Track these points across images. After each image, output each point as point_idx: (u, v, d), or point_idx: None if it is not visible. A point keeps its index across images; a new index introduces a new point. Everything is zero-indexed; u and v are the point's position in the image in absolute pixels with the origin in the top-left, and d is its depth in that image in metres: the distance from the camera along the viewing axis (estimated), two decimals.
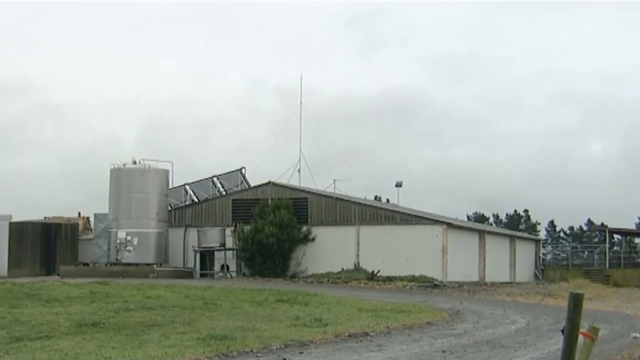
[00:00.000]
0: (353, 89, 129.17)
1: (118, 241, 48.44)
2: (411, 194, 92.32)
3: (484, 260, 53.01)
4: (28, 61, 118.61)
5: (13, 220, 51.90)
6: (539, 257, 65.31)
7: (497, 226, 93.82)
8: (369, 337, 19.25)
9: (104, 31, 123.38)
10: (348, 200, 50.09)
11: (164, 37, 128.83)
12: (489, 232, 57.73)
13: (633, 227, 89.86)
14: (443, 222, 48.45)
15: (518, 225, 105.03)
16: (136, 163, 50.01)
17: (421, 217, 49.46)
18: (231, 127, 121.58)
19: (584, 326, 8.00)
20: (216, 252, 49.47)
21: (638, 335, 21.50)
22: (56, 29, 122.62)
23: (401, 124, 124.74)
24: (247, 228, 49.03)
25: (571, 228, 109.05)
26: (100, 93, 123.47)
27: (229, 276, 48.34)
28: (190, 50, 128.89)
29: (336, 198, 50.02)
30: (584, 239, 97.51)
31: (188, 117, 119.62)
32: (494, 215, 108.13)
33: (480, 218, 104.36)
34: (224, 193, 53.80)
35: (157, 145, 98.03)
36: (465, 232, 52.68)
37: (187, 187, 54.40)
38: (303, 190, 51.27)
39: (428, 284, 43.96)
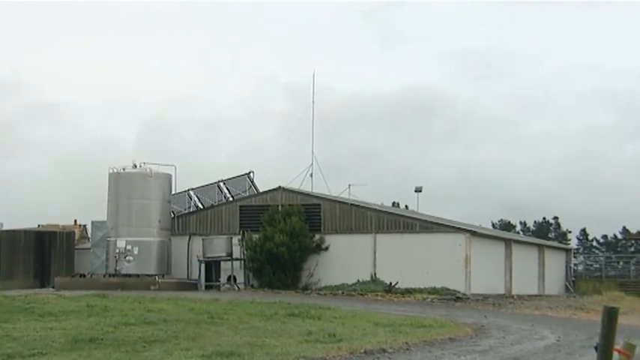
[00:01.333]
0: (369, 87, 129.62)
1: (117, 250, 48.41)
2: (431, 200, 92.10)
3: (510, 271, 52.89)
4: (20, 57, 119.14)
5: (4, 228, 52.13)
6: (570, 268, 65.13)
7: (525, 235, 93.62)
8: (386, 354, 19.18)
9: (102, 26, 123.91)
10: (364, 206, 50.13)
11: (166, 32, 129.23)
12: (516, 241, 57.60)
13: None
14: (466, 230, 48.44)
15: (547, 233, 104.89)
16: (136, 166, 50.01)
17: (442, 224, 49.54)
18: (238, 127, 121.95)
19: (619, 343, 7.92)
20: (222, 262, 49.50)
21: None
22: (51, 23, 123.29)
23: (421, 124, 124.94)
24: (256, 236, 49.07)
25: (604, 236, 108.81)
26: (98, 91, 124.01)
27: (236, 288, 48.44)
28: (194, 46, 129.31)
29: (351, 204, 50.03)
30: (618, 249, 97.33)
31: (192, 117, 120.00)
32: (521, 223, 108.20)
33: (506, 226, 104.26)
34: (231, 199, 53.83)
35: (159, 148, 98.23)
36: (490, 241, 52.59)
37: (191, 192, 54.56)
38: (315, 196, 51.37)
39: (450, 297, 43.97)
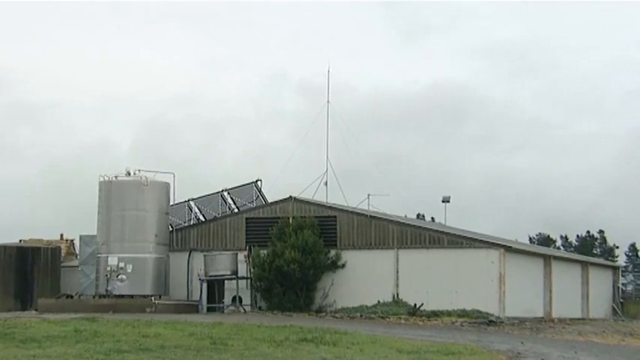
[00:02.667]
0: (391, 85, 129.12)
1: (109, 268, 48.48)
2: (461, 211, 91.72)
3: (550, 292, 52.73)
4: (1, 50, 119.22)
5: None
6: (618, 288, 64.90)
7: (567, 251, 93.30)
8: None
9: (95, 17, 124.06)
10: (385, 219, 50.12)
11: (165, 24, 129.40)
12: (556, 258, 57.31)
13: None
14: (500, 245, 48.29)
15: (591, 249, 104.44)
16: (130, 174, 50.08)
17: (474, 239, 49.43)
18: (245, 130, 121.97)
19: None
20: (226, 281, 49.65)
21: None
22: (37, 13, 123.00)
23: (449, 126, 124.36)
24: (264, 252, 49.22)
25: None
26: (89, 90, 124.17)
27: (242, 310, 48.53)
28: (197, 39, 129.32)
29: (371, 216, 50.05)
30: None
31: (194, 119, 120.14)
32: (562, 237, 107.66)
33: (545, 241, 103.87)
34: (236, 210, 53.95)
35: (157, 153, 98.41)
36: (527, 258, 52.40)
37: (192, 203, 54.58)
38: (331, 207, 51.41)
39: (482, 320, 44.00)
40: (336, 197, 54.19)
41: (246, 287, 49.82)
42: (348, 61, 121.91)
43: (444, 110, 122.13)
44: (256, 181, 55.45)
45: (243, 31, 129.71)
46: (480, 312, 45.47)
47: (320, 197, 53.53)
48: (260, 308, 48.79)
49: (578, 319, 53.36)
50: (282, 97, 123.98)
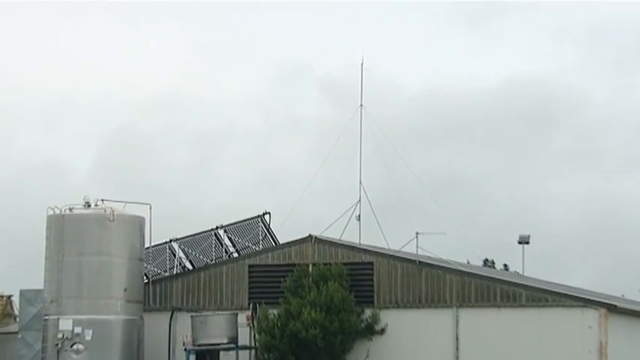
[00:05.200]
0: (450, 83, 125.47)
1: (61, 335, 47.05)
2: (545, 256, 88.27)
3: None
4: None
5: None
6: None
7: None
8: None
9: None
10: (441, 267, 48.73)
11: (145, 8, 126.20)
12: None
13: None
14: (600, 303, 46.52)
15: None
16: (90, 205, 48.88)
17: (563, 294, 47.74)
18: (250, 145, 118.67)
19: None
20: (222, 352, 48.55)
21: None
22: None
23: (531, 139, 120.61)
24: (274, 313, 47.79)
25: None
26: (34, 91, 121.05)
27: None
28: (186, 24, 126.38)
29: (421, 262, 48.55)
30: None
31: (179, 129, 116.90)
32: None
33: None
34: (236, 254, 52.86)
35: (127, 177, 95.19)
36: (638, 321, 50.51)
37: (175, 245, 53.43)
38: (365, 251, 49.72)
39: None
40: (372, 237, 52.86)
41: None
42: (389, 51, 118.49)
43: (521, 116, 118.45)
44: (263, 214, 53.63)
45: (248, 11, 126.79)
46: None
47: (351, 237, 52.00)
48: None
49: None
50: (301, 99, 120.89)
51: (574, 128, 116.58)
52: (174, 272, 52.49)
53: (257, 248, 52.48)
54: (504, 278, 51.28)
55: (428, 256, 50.09)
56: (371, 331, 47.48)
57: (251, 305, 48.66)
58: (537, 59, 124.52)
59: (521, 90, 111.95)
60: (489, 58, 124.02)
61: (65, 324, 47.03)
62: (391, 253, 49.74)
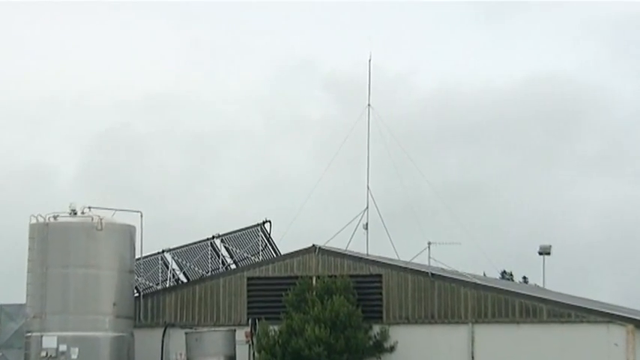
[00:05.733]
0: (467, 81, 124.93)
1: (44, 353, 46.68)
2: (568, 268, 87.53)
3: None
4: None
5: None
6: None
7: None
8: None
9: None
10: (455, 279, 48.38)
11: (138, 3, 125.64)
12: None
13: None
14: (628, 319, 46.04)
15: None
16: (76, 213, 48.54)
17: (587, 309, 47.27)
18: (249, 147, 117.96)
19: None
20: None
21: None
22: None
23: (554, 142, 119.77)
24: (274, 329, 47.37)
25: None
26: (19, 90, 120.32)
27: None
28: (182, 18, 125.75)
29: (433, 275, 48.18)
30: None
31: (172, 131, 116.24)
32: None
33: None
34: (234, 266, 52.60)
35: (116, 182, 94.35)
36: None
37: (168, 255, 53.20)
38: (374, 262, 49.47)
39: None
40: (381, 247, 52.70)
41: None
42: (399, 47, 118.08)
43: (544, 117, 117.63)
44: (263, 222, 53.42)
45: (247, 5, 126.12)
46: None
47: (358, 247, 51.64)
48: None
49: None
50: (304, 98, 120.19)
51: (599, 130, 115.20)
52: (167, 285, 52.43)
53: (256, 259, 52.34)
54: (524, 292, 50.86)
55: (441, 268, 49.83)
56: (380, 349, 47.42)
57: (250, 321, 48.73)
58: (561, 57, 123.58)
59: (541, 89, 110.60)
60: (507, 55, 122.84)
61: (49, 341, 46.78)
62: (401, 265, 49.56)
